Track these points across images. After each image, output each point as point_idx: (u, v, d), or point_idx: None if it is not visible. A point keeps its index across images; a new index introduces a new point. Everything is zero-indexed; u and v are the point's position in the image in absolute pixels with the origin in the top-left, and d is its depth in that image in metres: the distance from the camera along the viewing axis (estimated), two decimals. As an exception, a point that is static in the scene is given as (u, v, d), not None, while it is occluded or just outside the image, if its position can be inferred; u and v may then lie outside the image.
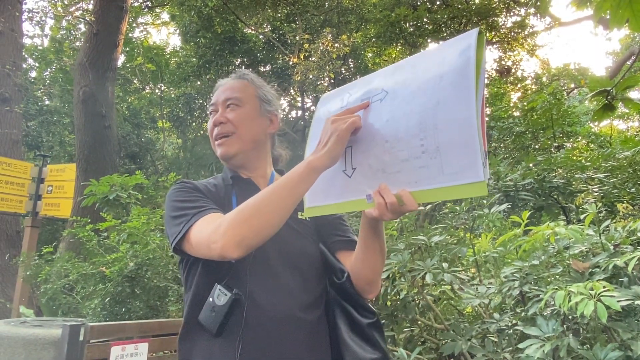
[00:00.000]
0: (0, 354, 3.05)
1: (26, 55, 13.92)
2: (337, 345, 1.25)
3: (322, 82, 11.95)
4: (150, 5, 14.78)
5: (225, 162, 1.40)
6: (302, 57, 11.23)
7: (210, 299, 1.18)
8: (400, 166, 1.03)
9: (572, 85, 13.69)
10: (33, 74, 15.25)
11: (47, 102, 13.71)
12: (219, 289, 1.18)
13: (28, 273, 5.45)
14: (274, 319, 1.20)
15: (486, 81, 1.13)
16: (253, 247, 1.09)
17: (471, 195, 0.96)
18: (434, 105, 0.99)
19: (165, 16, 17.03)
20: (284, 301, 1.22)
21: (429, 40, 12.33)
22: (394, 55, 13.60)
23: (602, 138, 7.82)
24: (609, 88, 2.80)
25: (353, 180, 1.12)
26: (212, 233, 1.09)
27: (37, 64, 15.35)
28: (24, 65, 12.68)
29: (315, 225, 1.39)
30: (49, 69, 15.23)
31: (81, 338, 2.70)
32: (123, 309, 3.76)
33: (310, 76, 10.71)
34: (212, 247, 1.08)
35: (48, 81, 14.50)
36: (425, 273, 2.34)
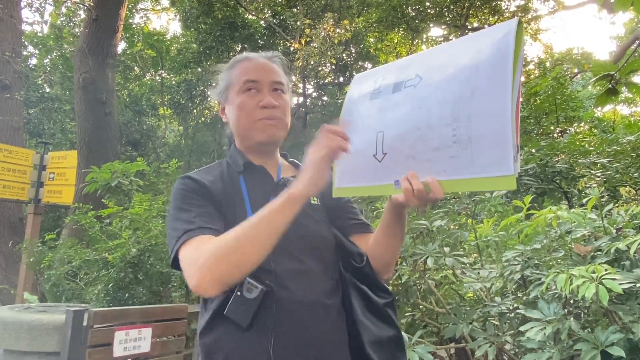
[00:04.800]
0: (5, 339, 3.07)
1: (26, 42, 13.84)
2: (354, 326, 1.25)
3: (324, 67, 11.89)
4: (149, -10, 14.66)
5: (265, 146, 1.34)
6: (303, 42, 11.16)
7: (239, 293, 1.15)
8: (431, 154, 1.02)
9: (576, 70, 13.58)
10: (33, 61, 15.18)
11: (47, 90, 13.67)
12: (248, 282, 1.15)
13: (31, 260, 5.48)
14: (303, 306, 1.19)
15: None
16: (233, 283, 1.08)
17: (499, 188, 0.96)
18: (469, 95, 0.98)
19: (165, 2, 16.90)
20: (310, 288, 1.22)
21: (431, 25, 12.23)
22: (395, 40, 13.50)
23: (605, 123, 7.78)
24: (613, 72, 2.77)
25: (383, 165, 1.12)
26: (190, 265, 1.08)
27: (37, 51, 15.28)
28: (24, 52, 12.62)
29: (326, 208, 1.38)
30: (49, 56, 15.16)
31: (85, 323, 2.72)
32: (126, 295, 3.79)
33: (312, 62, 10.64)
34: (191, 283, 1.07)
35: (48, 68, 14.43)
36: (427, 257, 2.34)
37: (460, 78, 1.02)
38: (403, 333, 2.07)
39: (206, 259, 1.05)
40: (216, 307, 1.20)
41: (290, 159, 1.47)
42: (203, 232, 1.15)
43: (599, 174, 3.53)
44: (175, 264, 1.18)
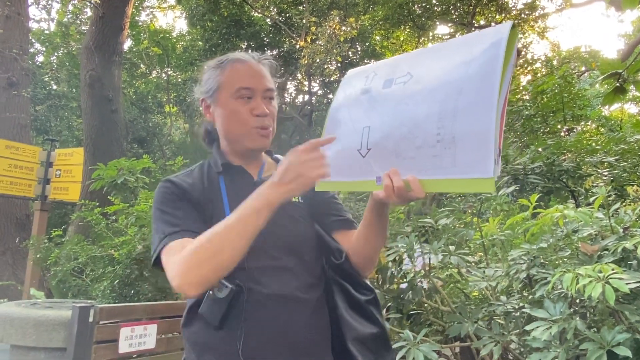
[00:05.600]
0: (12, 334, 3.10)
1: (33, 40, 13.90)
2: (337, 323, 1.26)
3: (329, 65, 11.87)
4: (156, -12, 14.68)
5: (254, 152, 1.36)
6: (309, 40, 11.15)
7: (211, 292, 1.17)
8: (414, 152, 1.02)
9: (583, 68, 13.50)
10: (40, 58, 15.26)
11: (54, 87, 13.74)
12: (220, 281, 1.17)
13: (38, 256, 5.52)
14: (274, 300, 1.20)
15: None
16: (213, 284, 1.11)
17: (478, 190, 0.95)
18: (456, 95, 0.98)
19: (171, -1, 16.92)
20: (283, 283, 1.22)
21: (437, 23, 12.18)
22: (401, 38, 13.47)
23: (612, 122, 7.73)
24: (621, 71, 2.75)
25: (366, 161, 1.11)
26: (172, 267, 1.11)
27: (44, 49, 15.35)
28: (31, 50, 12.68)
29: (309, 205, 1.38)
30: (55, 54, 15.23)
31: (91, 319, 2.73)
32: (132, 291, 3.80)
33: (317, 60, 10.63)
34: (173, 283, 1.10)
35: (55, 65, 14.50)
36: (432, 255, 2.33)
37: (449, 77, 1.01)
38: (407, 331, 2.07)
39: (186, 264, 1.08)
40: (191, 303, 1.25)
41: (275, 156, 1.47)
42: (184, 235, 1.18)
43: (606, 173, 3.51)
44: (157, 263, 1.21)
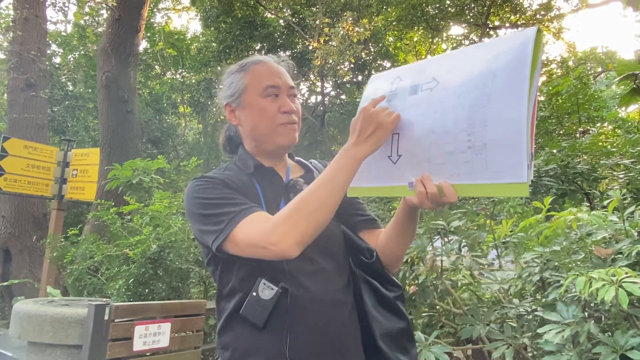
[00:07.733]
0: (30, 331, 3.16)
1: (50, 41, 14.10)
2: (366, 320, 1.28)
3: (342, 66, 11.87)
4: (171, -10, 14.81)
5: (284, 150, 1.38)
6: (322, 41, 11.15)
7: (254, 293, 1.18)
8: (445, 158, 1.04)
9: (599, 69, 13.32)
10: (57, 59, 15.46)
11: (71, 88, 13.91)
12: (264, 283, 1.18)
13: (55, 254, 5.60)
14: (319, 304, 1.22)
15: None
16: (309, 242, 1.11)
17: (512, 195, 0.98)
18: (485, 101, 0.99)
19: (185, 1, 17.05)
20: (325, 286, 1.24)
21: (451, 24, 12.12)
22: (415, 39, 13.43)
23: (629, 123, 7.61)
24: (638, 72, 2.73)
25: (397, 167, 1.14)
26: (269, 234, 1.09)
27: (61, 50, 15.56)
28: (48, 51, 12.87)
29: None
30: (72, 55, 15.42)
31: (106, 317, 2.78)
32: (146, 290, 3.85)
33: (330, 61, 10.64)
34: (270, 249, 1.08)
35: (72, 67, 14.69)
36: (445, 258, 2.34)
37: (477, 83, 1.02)
38: (419, 333, 2.08)
39: (289, 224, 1.08)
40: (232, 307, 1.24)
41: (297, 158, 1.49)
42: (258, 209, 1.19)
43: (621, 176, 3.47)
44: (220, 248, 1.16)
